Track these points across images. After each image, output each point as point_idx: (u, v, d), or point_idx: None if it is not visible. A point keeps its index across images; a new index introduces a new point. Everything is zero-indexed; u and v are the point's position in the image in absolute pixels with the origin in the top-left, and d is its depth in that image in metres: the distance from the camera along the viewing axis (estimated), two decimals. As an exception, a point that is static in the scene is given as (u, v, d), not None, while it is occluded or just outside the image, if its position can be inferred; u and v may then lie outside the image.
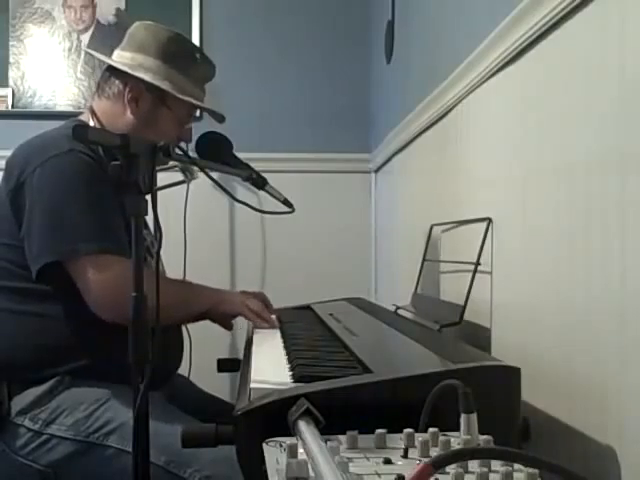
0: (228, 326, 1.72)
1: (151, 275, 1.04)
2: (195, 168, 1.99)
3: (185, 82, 1.62)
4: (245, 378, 1.10)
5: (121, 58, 1.62)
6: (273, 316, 1.67)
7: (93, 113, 1.62)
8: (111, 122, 1.60)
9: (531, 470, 0.63)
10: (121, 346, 1.04)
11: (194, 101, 1.62)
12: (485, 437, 0.75)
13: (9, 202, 1.48)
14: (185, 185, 2.44)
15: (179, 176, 2.33)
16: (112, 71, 1.62)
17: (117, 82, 1.61)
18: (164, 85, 1.58)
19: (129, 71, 1.58)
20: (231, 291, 1.73)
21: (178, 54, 1.62)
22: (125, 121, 1.60)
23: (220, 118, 1.74)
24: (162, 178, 1.65)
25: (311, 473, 0.65)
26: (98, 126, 1.59)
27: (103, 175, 1.45)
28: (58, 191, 1.45)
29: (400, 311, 1.72)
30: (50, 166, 1.45)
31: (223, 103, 1.75)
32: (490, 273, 1.36)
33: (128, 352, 1.03)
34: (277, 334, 1.51)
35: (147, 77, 1.58)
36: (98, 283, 1.42)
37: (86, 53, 2.86)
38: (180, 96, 1.59)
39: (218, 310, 1.63)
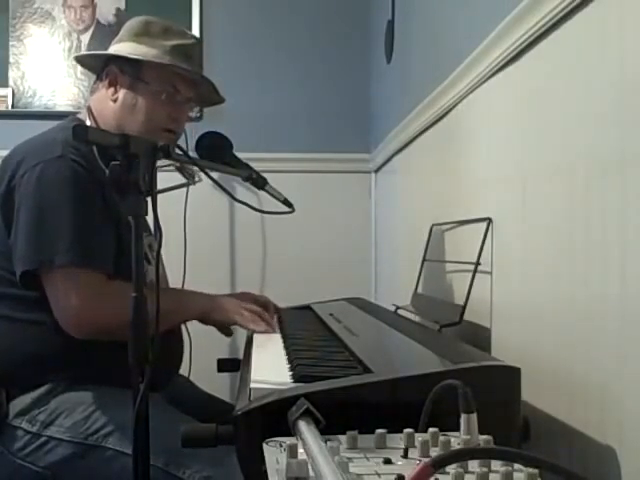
0: (226, 332, 1.69)
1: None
2: (197, 172, 1.98)
3: (156, 52, 1.58)
4: (245, 378, 1.10)
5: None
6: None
7: (90, 112, 1.62)
8: (100, 114, 1.60)
9: (531, 470, 0.63)
10: (120, 351, 1.04)
11: (155, 59, 1.57)
12: (485, 437, 0.75)
13: (0, 206, 1.46)
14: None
15: (180, 178, 2.32)
16: (99, 72, 1.64)
17: (101, 78, 1.62)
18: (126, 53, 1.57)
19: (100, 53, 1.61)
20: (227, 297, 1.69)
21: (146, 31, 1.61)
22: (110, 109, 1.59)
23: (208, 83, 1.66)
24: (164, 181, 1.65)
25: (311, 473, 0.65)
26: (93, 124, 1.59)
27: (93, 184, 1.43)
28: (42, 198, 1.42)
29: (400, 311, 1.72)
30: (38, 171, 1.42)
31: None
32: (490, 273, 1.36)
33: (127, 356, 1.02)
34: (277, 334, 1.51)
35: (112, 51, 1.59)
36: (64, 303, 1.40)
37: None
38: (145, 59, 1.56)
39: (209, 318, 1.60)
